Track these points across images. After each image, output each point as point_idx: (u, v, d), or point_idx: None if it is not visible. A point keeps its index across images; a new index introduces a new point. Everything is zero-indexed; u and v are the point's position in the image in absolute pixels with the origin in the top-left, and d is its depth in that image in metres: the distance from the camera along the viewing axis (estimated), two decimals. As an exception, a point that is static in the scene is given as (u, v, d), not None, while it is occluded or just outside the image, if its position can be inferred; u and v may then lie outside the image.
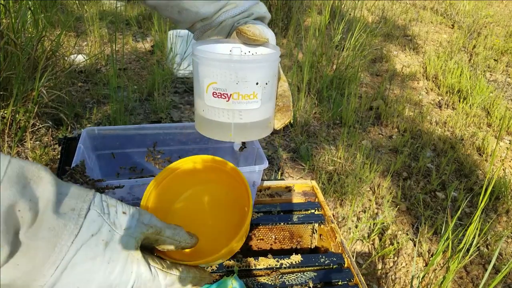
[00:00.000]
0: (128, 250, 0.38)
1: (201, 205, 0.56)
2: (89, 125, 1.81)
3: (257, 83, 0.53)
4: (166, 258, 0.44)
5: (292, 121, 0.63)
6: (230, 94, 0.53)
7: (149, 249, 0.43)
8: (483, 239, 1.55)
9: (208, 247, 0.49)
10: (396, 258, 1.45)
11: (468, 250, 1.24)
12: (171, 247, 0.43)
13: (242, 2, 0.61)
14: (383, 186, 1.76)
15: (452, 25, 4.16)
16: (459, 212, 1.21)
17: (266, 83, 0.54)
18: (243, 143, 0.89)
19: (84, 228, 0.36)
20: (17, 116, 1.56)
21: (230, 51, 0.62)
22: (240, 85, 0.52)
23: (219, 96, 0.53)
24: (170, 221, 0.44)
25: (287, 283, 0.69)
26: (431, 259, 1.37)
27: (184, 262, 0.44)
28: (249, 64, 0.52)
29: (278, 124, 0.61)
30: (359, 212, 1.64)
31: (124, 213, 0.40)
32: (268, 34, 0.60)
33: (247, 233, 0.50)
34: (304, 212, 0.86)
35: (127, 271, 0.37)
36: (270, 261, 0.72)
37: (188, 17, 0.61)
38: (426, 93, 2.80)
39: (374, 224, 1.55)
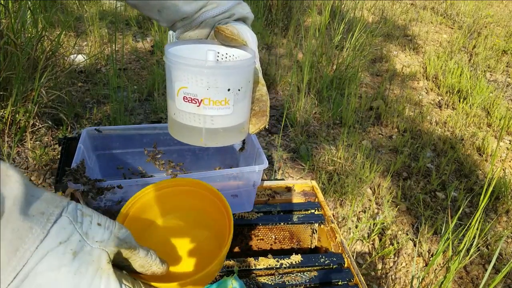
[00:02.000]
0: (98, 263, 0.35)
1: (179, 228, 0.56)
2: (89, 125, 1.81)
3: (228, 90, 0.52)
4: (137, 278, 0.42)
5: (267, 126, 0.63)
6: (201, 100, 0.52)
7: (119, 267, 0.40)
8: (483, 239, 1.55)
9: (183, 270, 0.50)
10: (396, 258, 1.45)
11: (468, 250, 1.24)
12: (141, 269, 0.41)
13: (223, 2, 0.59)
14: (383, 186, 1.76)
15: (452, 25, 4.16)
16: (459, 212, 1.21)
17: (239, 89, 0.53)
18: (243, 143, 0.89)
19: (52, 234, 0.33)
20: (17, 116, 1.56)
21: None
22: (211, 91, 0.51)
23: (190, 101, 0.52)
24: (144, 243, 0.43)
25: (287, 283, 0.69)
26: (431, 259, 1.37)
27: (157, 284, 0.43)
28: (221, 70, 0.51)
29: (253, 129, 0.60)
30: (359, 212, 1.64)
31: (99, 224, 0.37)
32: (248, 35, 0.58)
33: (224, 258, 0.50)
34: (304, 212, 0.86)
35: (95, 286, 0.35)
36: (270, 261, 0.72)
37: (168, 16, 0.59)
38: (426, 93, 2.79)
39: (374, 224, 1.55)
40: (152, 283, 0.43)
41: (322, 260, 0.74)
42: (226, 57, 0.61)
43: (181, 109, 0.54)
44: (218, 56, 0.60)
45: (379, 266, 1.42)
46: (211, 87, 0.51)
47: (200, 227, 0.56)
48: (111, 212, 0.72)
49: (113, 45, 2.22)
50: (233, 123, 0.55)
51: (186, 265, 0.52)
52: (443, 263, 1.43)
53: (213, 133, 0.55)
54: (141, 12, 0.61)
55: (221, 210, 0.53)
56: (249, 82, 0.55)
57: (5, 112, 1.52)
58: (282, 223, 0.82)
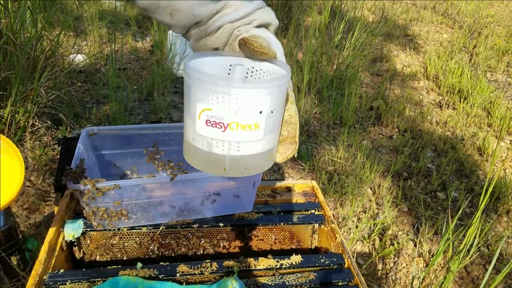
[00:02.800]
0: None
1: None
2: (89, 125, 1.80)
3: (260, 112, 0.45)
4: None
5: (296, 154, 0.53)
6: (227, 124, 0.45)
7: None
8: (483, 239, 1.55)
9: None
10: (396, 259, 1.45)
11: (468, 250, 1.24)
12: None
13: (244, 4, 0.52)
14: (383, 186, 1.76)
15: (453, 24, 4.16)
16: (459, 212, 1.20)
17: (272, 111, 0.46)
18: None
19: None
20: (16, 116, 1.56)
21: (230, 69, 0.53)
22: (240, 114, 0.44)
23: (214, 125, 0.45)
24: None
25: (287, 283, 0.68)
26: (431, 259, 1.37)
27: None
28: (252, 90, 0.44)
29: (280, 158, 0.52)
30: (359, 212, 1.64)
31: None
32: (277, 46, 0.52)
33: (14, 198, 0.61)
34: (304, 213, 0.85)
35: None
36: (270, 262, 0.71)
37: (180, 21, 0.53)
38: (427, 93, 2.79)
39: (374, 224, 1.55)
40: None
41: (322, 260, 0.73)
42: (255, 73, 0.53)
43: (202, 134, 0.47)
44: (247, 72, 0.53)
45: (380, 266, 1.41)
46: (240, 110, 0.44)
47: None
48: (109, 212, 0.71)
49: (113, 45, 2.22)
50: (261, 149, 0.48)
51: None
52: (443, 263, 1.42)
53: (238, 161, 0.48)
54: (152, 17, 0.54)
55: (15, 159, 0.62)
56: (283, 102, 0.49)
57: (4, 112, 1.52)
58: (282, 223, 0.81)
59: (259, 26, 0.54)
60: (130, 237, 0.77)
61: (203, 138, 0.47)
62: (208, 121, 0.45)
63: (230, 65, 0.53)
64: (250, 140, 0.46)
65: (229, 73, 0.54)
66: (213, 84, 0.43)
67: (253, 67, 0.53)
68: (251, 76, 0.53)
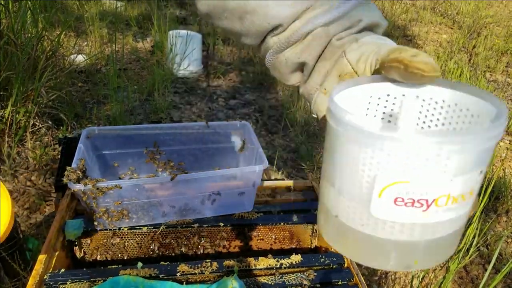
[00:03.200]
0: None
1: None
2: (89, 125, 1.81)
3: (480, 172, 0.31)
4: None
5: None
6: (434, 200, 0.30)
7: None
8: (483, 239, 1.55)
9: None
10: (396, 258, 1.45)
11: (468, 250, 1.24)
12: None
13: (342, 2, 0.39)
14: (383, 186, 1.76)
15: (452, 25, 4.16)
16: (459, 212, 1.20)
17: (481, 171, 0.32)
18: (243, 143, 0.89)
19: None
20: (17, 116, 1.56)
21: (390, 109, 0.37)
22: (456, 181, 0.30)
23: (410, 204, 0.30)
24: None
25: (287, 283, 0.69)
26: (431, 259, 1.37)
27: None
28: (471, 143, 0.29)
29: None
30: (359, 212, 1.64)
31: None
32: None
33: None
34: (304, 212, 0.86)
35: None
36: (270, 261, 0.72)
37: (253, 26, 0.40)
38: (426, 93, 2.79)
39: (374, 224, 1.55)
40: None
41: (322, 260, 0.74)
42: (445, 111, 0.37)
43: (384, 218, 0.32)
44: (427, 110, 0.37)
45: (379, 266, 1.42)
46: (457, 174, 0.30)
47: None
48: (110, 212, 0.72)
49: (113, 45, 2.22)
50: (455, 227, 0.34)
51: None
52: (443, 263, 1.43)
53: (433, 247, 0.33)
54: (217, 25, 0.43)
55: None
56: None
57: (5, 112, 1.52)
58: (282, 223, 0.82)
59: (363, 30, 0.40)
60: (130, 237, 0.77)
61: (385, 223, 0.32)
62: (399, 199, 0.30)
63: (379, 96, 0.37)
64: (455, 216, 0.32)
65: (386, 119, 0.37)
66: (413, 143, 0.28)
67: (436, 102, 0.35)
68: (441, 115, 0.36)
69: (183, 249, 0.79)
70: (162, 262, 0.70)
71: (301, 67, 0.42)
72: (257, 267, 0.70)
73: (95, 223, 0.72)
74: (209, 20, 0.44)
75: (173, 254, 0.79)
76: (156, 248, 0.78)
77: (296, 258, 0.73)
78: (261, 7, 0.39)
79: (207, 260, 0.70)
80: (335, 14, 0.39)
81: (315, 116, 0.42)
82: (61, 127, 1.72)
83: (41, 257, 0.68)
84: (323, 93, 0.40)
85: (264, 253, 0.81)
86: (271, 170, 1.74)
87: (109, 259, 0.77)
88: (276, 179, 1.08)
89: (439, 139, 0.28)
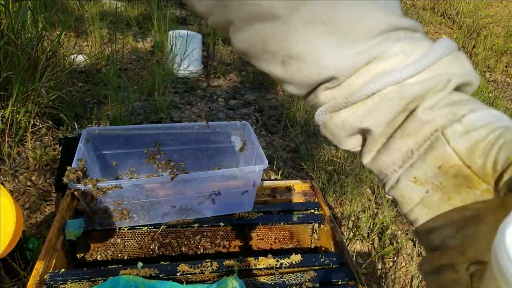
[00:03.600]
0: None
1: None
2: (90, 125, 1.81)
3: None
4: None
5: None
6: None
7: None
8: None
9: None
10: (395, 258, 1.45)
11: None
12: None
13: (418, 47, 0.29)
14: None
15: (452, 25, 4.16)
16: (458, 212, 1.20)
17: None
18: (243, 143, 0.89)
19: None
20: (17, 116, 1.56)
21: None
22: None
23: None
24: None
25: (287, 282, 0.69)
26: (431, 259, 1.37)
27: None
28: None
29: None
30: (359, 212, 1.64)
31: None
32: None
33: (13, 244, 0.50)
34: (304, 212, 0.86)
35: None
36: (270, 261, 0.72)
37: (299, 74, 0.30)
38: (426, 93, 2.80)
39: (373, 223, 1.55)
40: None
41: (322, 259, 0.74)
42: None
43: None
44: None
45: (379, 265, 1.42)
46: None
47: None
48: (110, 212, 0.72)
49: (114, 45, 2.22)
50: None
51: None
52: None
53: None
54: (255, 65, 0.33)
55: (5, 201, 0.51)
56: None
57: (5, 112, 1.53)
58: (282, 223, 0.82)
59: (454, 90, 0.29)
60: (130, 237, 0.77)
61: None
62: None
63: None
64: None
65: None
66: None
67: None
68: None
69: (183, 249, 0.79)
70: (162, 262, 0.70)
71: (362, 132, 0.32)
72: (257, 267, 0.71)
73: (95, 223, 0.72)
74: (246, 59, 0.34)
75: (173, 254, 0.79)
76: (156, 248, 0.78)
77: (296, 258, 0.73)
78: (310, 53, 0.29)
79: (207, 260, 0.70)
80: (412, 71, 0.28)
81: (390, 197, 0.33)
82: (61, 127, 1.72)
83: (41, 257, 0.68)
84: (412, 182, 0.29)
85: (264, 253, 0.81)
86: (271, 170, 1.75)
87: (109, 259, 0.78)
88: (276, 179, 1.08)
89: None
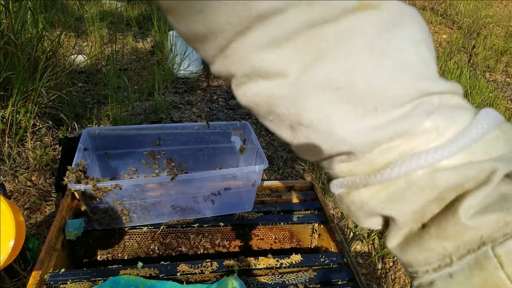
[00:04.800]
0: None
1: None
2: (90, 125, 1.81)
3: None
4: None
5: None
6: None
7: None
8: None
9: None
10: (396, 258, 1.45)
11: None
12: None
13: (453, 122, 0.24)
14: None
15: (452, 25, 4.16)
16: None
17: None
18: (243, 143, 0.89)
19: None
20: (17, 116, 1.56)
21: None
22: None
23: None
24: None
25: (287, 282, 0.69)
26: (431, 259, 1.37)
27: None
28: None
29: None
30: (359, 212, 1.64)
31: None
32: None
33: (15, 253, 0.49)
34: (304, 212, 0.86)
35: None
36: (270, 261, 0.72)
37: (309, 142, 0.26)
38: (426, 93, 2.80)
39: (374, 224, 1.55)
40: None
41: (322, 259, 0.74)
42: None
43: None
44: None
45: (379, 265, 1.42)
46: None
47: None
48: (110, 212, 0.72)
49: (114, 46, 2.22)
50: None
51: None
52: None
53: None
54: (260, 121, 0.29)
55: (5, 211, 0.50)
56: None
57: (5, 112, 1.53)
58: (282, 223, 0.82)
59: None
60: (130, 237, 0.77)
61: None
62: None
63: None
64: None
65: None
66: None
67: None
68: None
69: (183, 249, 0.79)
70: (162, 262, 0.70)
71: (385, 217, 0.27)
72: (257, 267, 0.71)
73: (95, 223, 0.72)
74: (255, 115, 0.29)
75: (173, 254, 0.79)
76: (156, 248, 0.78)
77: (296, 257, 0.73)
78: (322, 122, 0.24)
79: (207, 260, 0.70)
80: (447, 153, 0.23)
81: None
82: (62, 127, 1.72)
83: (42, 257, 0.68)
84: None
85: (264, 252, 0.81)
86: (271, 170, 1.75)
87: (109, 259, 0.78)
88: (276, 179, 1.08)
89: None
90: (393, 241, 0.27)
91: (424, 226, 0.25)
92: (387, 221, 0.27)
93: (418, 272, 0.26)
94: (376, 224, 0.28)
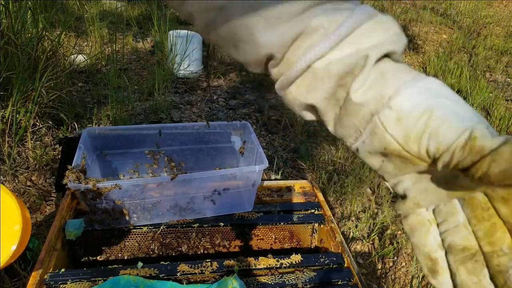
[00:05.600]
0: None
1: None
2: (90, 125, 1.81)
3: None
4: None
5: None
6: None
7: None
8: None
9: None
10: (396, 258, 1.45)
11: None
12: None
13: (336, 18, 0.29)
14: (383, 185, 1.76)
15: (452, 25, 4.17)
16: (458, 212, 1.20)
17: None
18: (243, 143, 0.89)
19: None
20: (17, 116, 1.56)
21: None
22: None
23: None
24: None
25: (287, 282, 0.69)
26: (431, 259, 1.37)
27: None
28: None
29: None
30: (359, 212, 1.64)
31: None
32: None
33: (20, 251, 0.48)
34: (304, 212, 0.86)
35: None
36: (270, 261, 0.72)
37: (247, 55, 0.33)
38: (426, 93, 2.80)
39: (374, 224, 1.55)
40: None
41: (322, 259, 0.74)
42: None
43: None
44: None
45: (379, 265, 1.42)
46: None
47: None
48: (110, 212, 0.72)
49: (114, 45, 2.22)
50: None
51: None
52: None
53: None
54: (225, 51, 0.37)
55: (12, 207, 0.49)
56: None
57: (5, 112, 1.53)
58: (282, 223, 0.82)
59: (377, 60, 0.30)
60: (130, 237, 0.77)
61: None
62: None
63: None
64: None
65: None
66: None
67: None
68: None
69: (183, 249, 0.79)
70: (162, 262, 0.70)
71: (313, 107, 0.33)
72: (257, 267, 0.71)
73: (95, 223, 0.72)
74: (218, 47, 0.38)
75: (173, 254, 0.79)
76: (156, 248, 0.78)
77: (296, 258, 0.73)
78: (248, 33, 0.31)
79: (207, 260, 0.70)
80: (329, 45, 0.29)
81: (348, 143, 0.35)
82: (62, 127, 1.72)
83: (42, 257, 0.68)
84: (368, 154, 0.32)
85: (264, 252, 0.81)
86: (271, 170, 1.75)
87: (109, 259, 0.78)
88: (276, 179, 1.08)
89: None
90: (329, 126, 0.35)
91: (340, 112, 0.32)
92: (317, 110, 0.34)
93: (348, 143, 0.34)
94: (310, 115, 0.36)
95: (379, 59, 0.30)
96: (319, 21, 0.29)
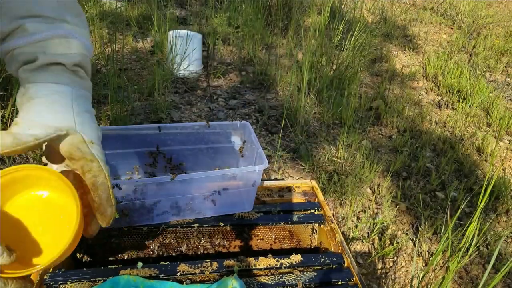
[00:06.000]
0: None
1: (28, 212, 0.52)
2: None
3: None
4: None
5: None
6: None
7: None
8: (482, 239, 1.55)
9: (34, 256, 0.50)
10: (396, 258, 1.45)
11: (467, 250, 1.25)
12: None
13: (41, 28, 0.46)
14: (383, 186, 1.76)
15: (452, 25, 4.16)
16: (458, 212, 1.20)
17: None
18: (243, 143, 0.89)
19: None
20: (17, 116, 1.56)
21: None
22: None
23: None
24: None
25: (287, 282, 0.69)
26: (430, 259, 1.37)
27: (4, 275, 0.44)
28: None
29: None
30: (359, 212, 1.64)
31: None
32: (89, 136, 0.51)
33: (77, 241, 0.49)
34: (304, 212, 0.86)
35: None
36: (270, 261, 0.72)
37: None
38: (426, 93, 2.80)
39: (374, 224, 1.55)
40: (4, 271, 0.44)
41: (322, 260, 0.74)
42: None
43: None
44: None
45: (379, 265, 1.42)
46: None
47: (48, 210, 0.53)
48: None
49: (114, 45, 2.22)
50: None
51: (37, 250, 0.50)
52: (442, 262, 1.43)
53: None
54: None
55: (65, 190, 0.50)
56: None
57: (5, 112, 1.53)
58: (282, 223, 0.82)
59: (49, 64, 0.47)
60: (130, 237, 0.77)
61: None
62: None
63: None
64: None
65: None
66: None
67: None
68: None
69: (183, 249, 0.79)
70: (162, 262, 0.70)
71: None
72: (257, 267, 0.71)
73: (96, 223, 0.72)
74: None
75: (173, 254, 0.79)
76: (156, 248, 0.78)
77: (296, 258, 0.73)
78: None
79: (207, 260, 0.70)
80: (26, 40, 0.45)
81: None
82: (61, 127, 1.72)
83: (42, 257, 0.68)
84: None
85: (264, 252, 0.81)
86: (271, 170, 1.74)
87: (109, 259, 0.77)
88: (276, 179, 1.08)
89: None
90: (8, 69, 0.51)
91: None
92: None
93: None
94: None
95: (51, 64, 0.46)
96: (31, 26, 0.44)
